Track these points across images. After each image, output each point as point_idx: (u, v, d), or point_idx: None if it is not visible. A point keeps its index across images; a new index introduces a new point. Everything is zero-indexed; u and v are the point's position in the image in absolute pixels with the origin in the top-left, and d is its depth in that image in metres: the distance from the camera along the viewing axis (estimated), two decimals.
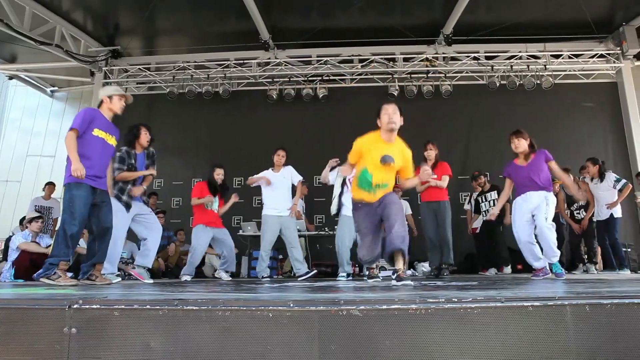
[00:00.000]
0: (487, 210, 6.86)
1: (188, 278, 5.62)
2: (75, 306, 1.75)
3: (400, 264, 3.49)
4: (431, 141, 5.99)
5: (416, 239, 7.50)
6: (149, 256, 4.78)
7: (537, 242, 4.57)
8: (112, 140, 4.07)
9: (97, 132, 3.92)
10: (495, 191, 6.88)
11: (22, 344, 1.72)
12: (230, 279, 5.79)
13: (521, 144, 4.64)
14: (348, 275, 5.49)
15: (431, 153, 5.88)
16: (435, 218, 5.85)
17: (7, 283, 4.80)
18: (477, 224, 7.26)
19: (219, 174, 5.80)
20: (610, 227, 6.44)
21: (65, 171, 3.83)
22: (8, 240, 6.25)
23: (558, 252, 4.50)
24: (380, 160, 3.50)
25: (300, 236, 6.40)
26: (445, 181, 5.86)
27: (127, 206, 4.57)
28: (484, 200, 7.01)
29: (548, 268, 4.58)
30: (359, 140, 3.65)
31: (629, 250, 6.68)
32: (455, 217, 6.21)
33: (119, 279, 4.55)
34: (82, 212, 3.75)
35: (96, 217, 3.94)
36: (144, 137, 4.82)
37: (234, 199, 5.83)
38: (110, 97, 4.12)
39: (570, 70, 9.00)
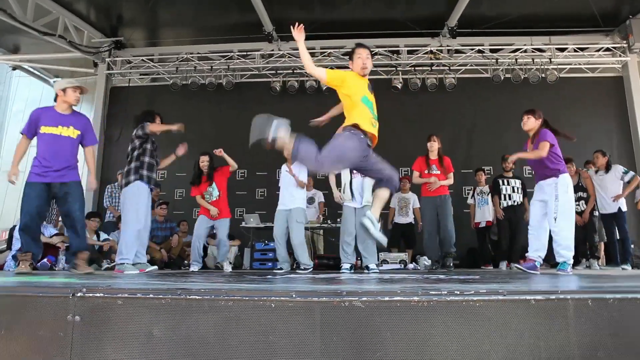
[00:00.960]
0: (509, 195, 6.72)
1: (195, 268, 5.67)
2: (79, 294, 1.77)
3: (377, 211, 3.40)
4: (434, 134, 5.97)
5: (422, 234, 7.52)
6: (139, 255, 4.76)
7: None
8: (67, 131, 4.18)
9: (44, 129, 4.09)
10: (520, 180, 6.78)
11: (26, 332, 1.74)
12: (229, 269, 5.81)
13: (529, 122, 4.53)
14: (351, 267, 5.50)
15: (434, 145, 5.88)
16: (436, 212, 5.87)
17: (11, 272, 4.84)
18: (479, 217, 7.22)
19: (203, 161, 5.84)
20: (620, 220, 6.35)
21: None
22: (12, 229, 6.29)
23: (566, 255, 4.24)
24: (369, 87, 3.54)
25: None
26: (450, 179, 5.88)
27: (153, 182, 4.72)
28: (505, 183, 6.78)
29: (538, 264, 4.38)
30: (347, 72, 3.61)
31: (632, 246, 6.64)
32: (457, 211, 6.22)
33: (149, 267, 4.68)
34: (27, 208, 4.01)
35: (64, 209, 4.12)
36: (156, 126, 4.95)
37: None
38: (64, 90, 4.21)
39: (575, 64, 8.94)
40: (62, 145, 4.12)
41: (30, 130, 4.11)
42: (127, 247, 4.44)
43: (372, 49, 9.03)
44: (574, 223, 4.30)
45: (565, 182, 4.32)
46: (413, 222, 7.56)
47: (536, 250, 4.40)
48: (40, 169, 4.02)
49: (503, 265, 6.65)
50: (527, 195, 6.66)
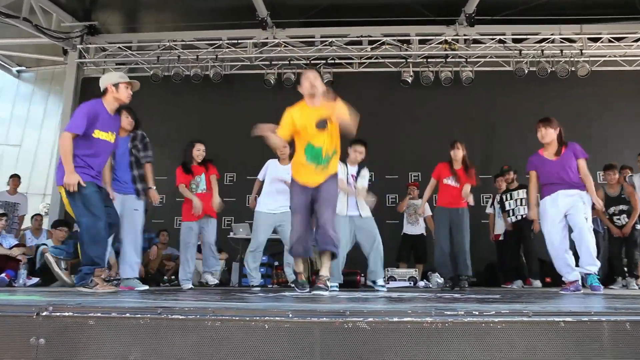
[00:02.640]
0: (513, 209, 6.82)
1: (187, 286, 5.46)
2: (44, 313, 1.76)
3: (325, 269, 3.82)
4: (459, 140, 5.92)
5: (432, 247, 7.50)
6: (130, 270, 4.75)
7: (572, 249, 4.52)
8: (112, 138, 4.01)
9: (97, 133, 3.85)
10: (525, 190, 6.82)
11: None
12: (216, 282, 5.74)
13: (548, 134, 4.60)
14: (339, 285, 5.45)
15: (458, 154, 5.81)
16: (450, 226, 5.81)
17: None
18: (500, 229, 7.24)
19: (199, 149, 5.72)
20: None
21: (58, 171, 3.82)
22: None
23: (597, 262, 4.41)
24: (317, 126, 3.72)
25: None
26: (466, 188, 5.82)
27: (139, 194, 4.70)
28: (509, 198, 6.95)
29: (580, 283, 4.51)
30: (289, 110, 3.90)
31: None
32: (475, 221, 6.20)
33: (144, 286, 4.68)
34: (100, 207, 3.78)
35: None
36: (125, 120, 4.76)
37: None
38: (116, 86, 4.01)
39: (610, 56, 8.97)
40: (107, 152, 4.05)
41: (85, 130, 3.76)
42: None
43: (378, 38, 9.13)
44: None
45: (588, 197, 4.48)
46: (425, 234, 7.55)
47: (572, 272, 4.50)
48: (94, 172, 3.86)
49: (517, 284, 6.67)
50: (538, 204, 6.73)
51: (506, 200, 6.98)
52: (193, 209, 5.46)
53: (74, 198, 3.72)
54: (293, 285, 3.77)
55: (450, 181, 5.79)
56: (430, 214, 7.61)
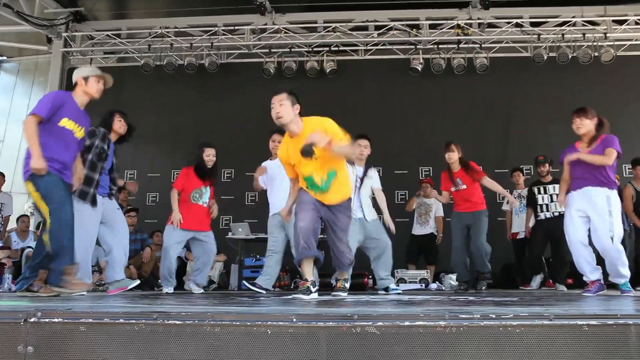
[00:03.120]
0: (547, 205, 6.72)
1: (169, 290, 5.62)
2: (32, 320, 1.77)
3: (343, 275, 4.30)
4: (453, 142, 6.01)
5: (445, 248, 7.50)
6: (120, 270, 4.82)
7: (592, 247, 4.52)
8: (80, 133, 4.09)
9: (64, 122, 3.92)
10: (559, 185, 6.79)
11: None
12: (201, 291, 5.76)
13: (584, 125, 4.58)
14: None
15: (453, 156, 5.91)
16: (467, 230, 5.94)
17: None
18: (517, 227, 7.23)
19: (209, 155, 5.74)
20: None
21: (25, 165, 3.84)
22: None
23: (627, 273, 4.38)
24: (302, 155, 3.68)
25: None
26: (491, 184, 5.91)
27: (94, 201, 4.60)
28: (542, 192, 6.77)
29: (603, 282, 4.53)
30: (280, 152, 4.04)
31: None
32: (491, 220, 6.21)
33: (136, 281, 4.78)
34: (66, 194, 3.86)
35: None
36: (118, 124, 4.87)
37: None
38: (86, 79, 4.11)
39: (636, 40, 8.93)
40: (73, 145, 4.07)
41: (49, 114, 3.81)
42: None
43: (386, 23, 9.11)
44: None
45: (617, 199, 4.49)
46: (435, 233, 7.57)
47: (593, 272, 4.53)
48: (59, 164, 3.88)
49: (536, 281, 6.68)
50: None
51: (539, 193, 6.80)
52: (172, 220, 5.56)
53: (39, 187, 3.77)
54: (298, 294, 3.68)
55: (454, 187, 6.00)
56: (442, 214, 7.65)
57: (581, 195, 4.52)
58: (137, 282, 5.06)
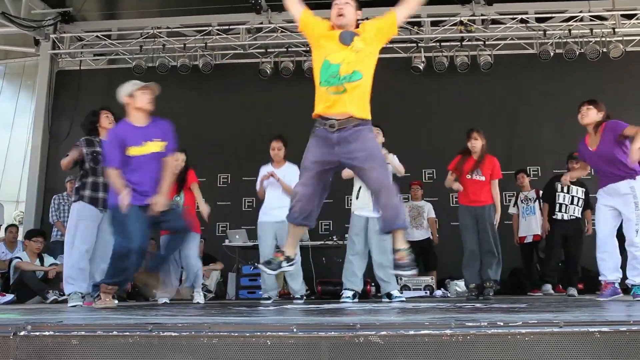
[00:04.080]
0: (567, 206, 6.67)
1: (165, 300, 5.67)
2: (22, 333, 1.77)
3: (401, 241, 3.35)
4: (476, 129, 5.93)
5: (444, 252, 7.52)
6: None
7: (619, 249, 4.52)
8: (153, 147, 4.28)
9: (130, 151, 4.19)
10: (584, 189, 6.71)
11: None
12: (202, 300, 5.77)
13: (589, 115, 4.63)
14: (354, 295, 5.49)
15: (476, 144, 5.83)
16: (477, 226, 5.81)
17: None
18: (524, 230, 7.25)
19: (177, 160, 5.81)
20: None
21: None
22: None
23: None
24: (340, 39, 3.36)
25: (302, 247, 6.42)
26: (495, 186, 5.84)
27: (105, 205, 4.65)
28: (565, 190, 6.66)
29: (618, 286, 4.53)
30: (318, 19, 3.56)
31: None
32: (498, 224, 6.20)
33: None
34: (136, 230, 4.07)
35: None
36: (105, 120, 4.97)
37: None
38: (132, 96, 4.32)
39: None
40: (148, 164, 4.27)
41: (121, 157, 4.17)
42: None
43: None
44: None
45: None
46: (430, 237, 7.59)
47: (613, 272, 4.52)
48: (136, 191, 4.17)
49: (547, 288, 6.66)
50: (592, 206, 6.65)
51: (561, 191, 6.69)
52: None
53: (115, 217, 4.13)
54: (262, 265, 3.33)
55: (473, 175, 5.79)
56: (434, 216, 7.66)
57: (607, 193, 4.58)
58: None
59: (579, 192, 6.65)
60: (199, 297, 5.73)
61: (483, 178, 5.78)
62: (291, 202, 3.30)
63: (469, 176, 5.81)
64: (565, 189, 6.64)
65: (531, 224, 7.19)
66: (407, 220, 3.37)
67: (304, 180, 3.26)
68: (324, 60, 3.32)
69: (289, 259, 3.32)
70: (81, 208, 4.72)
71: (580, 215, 6.65)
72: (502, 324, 1.72)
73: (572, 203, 6.62)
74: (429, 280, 6.98)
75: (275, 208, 5.62)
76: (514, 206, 7.59)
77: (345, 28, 3.40)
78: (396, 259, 3.33)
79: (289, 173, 5.60)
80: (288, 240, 3.41)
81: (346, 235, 6.17)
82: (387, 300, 5.44)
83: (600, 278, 4.63)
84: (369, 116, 3.35)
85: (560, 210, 6.67)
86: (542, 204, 7.01)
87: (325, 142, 3.26)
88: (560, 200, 6.67)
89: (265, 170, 5.79)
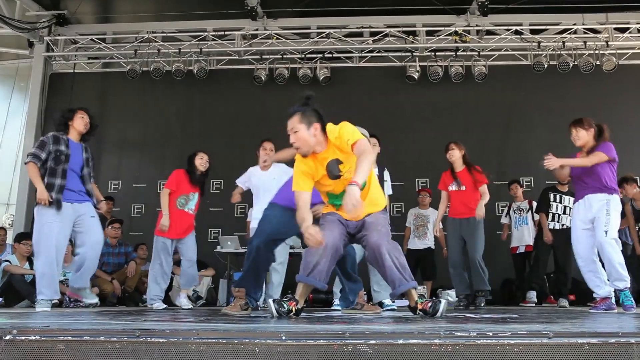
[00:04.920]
0: (560, 215, 6.71)
1: (159, 305, 5.62)
2: (7, 337, 1.76)
3: (415, 297, 3.47)
4: (452, 141, 5.97)
5: (444, 262, 7.51)
6: (83, 276, 4.81)
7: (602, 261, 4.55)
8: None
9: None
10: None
11: None
12: (190, 306, 5.74)
13: (580, 137, 4.67)
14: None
15: (453, 154, 5.86)
16: (462, 238, 5.85)
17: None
18: (517, 241, 7.28)
19: (202, 158, 5.80)
20: None
21: None
22: None
23: (626, 277, 4.41)
24: (330, 177, 3.33)
25: (293, 254, 6.39)
26: (485, 195, 5.82)
27: (58, 205, 4.59)
28: (557, 200, 6.74)
29: (614, 300, 4.55)
30: (300, 165, 3.44)
31: None
32: (490, 232, 6.21)
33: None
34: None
35: None
36: (80, 121, 4.86)
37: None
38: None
39: (639, 48, 9.00)
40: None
41: None
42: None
43: (381, 29, 9.17)
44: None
45: (617, 203, 4.56)
46: (433, 247, 7.57)
47: (602, 287, 4.55)
48: None
49: (532, 295, 6.67)
50: None
51: (554, 200, 6.76)
52: (160, 225, 5.60)
53: None
54: (273, 303, 3.25)
55: (454, 187, 5.84)
56: (440, 225, 7.64)
57: (583, 204, 4.63)
58: (96, 301, 5.04)
59: (570, 201, 6.68)
60: (186, 302, 5.71)
61: (464, 188, 5.79)
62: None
63: (450, 187, 5.88)
64: (558, 199, 6.71)
65: (524, 235, 7.22)
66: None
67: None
68: (328, 194, 3.48)
69: (297, 312, 3.32)
70: (41, 211, 4.62)
71: (570, 224, 6.69)
72: (491, 334, 1.72)
73: (564, 213, 6.67)
74: (421, 289, 6.97)
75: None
76: (505, 216, 7.62)
77: (312, 152, 3.36)
78: (420, 309, 3.40)
79: (281, 173, 5.45)
80: (301, 292, 3.40)
81: None
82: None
83: (594, 295, 4.65)
84: (383, 206, 3.60)
85: (553, 220, 6.72)
86: (535, 213, 7.05)
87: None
88: (554, 210, 6.73)
89: (254, 174, 5.69)
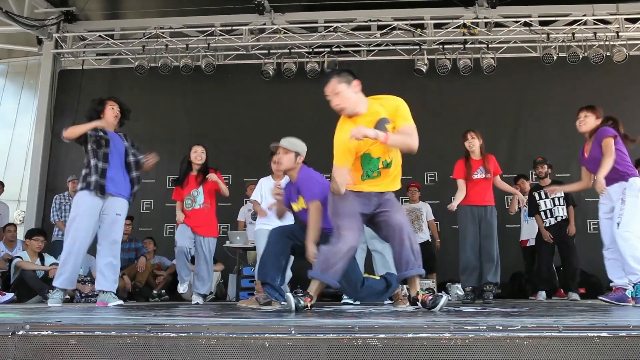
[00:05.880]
0: (551, 210, 6.67)
1: (199, 300, 5.66)
2: (20, 332, 1.77)
3: (418, 286, 3.55)
4: (471, 129, 5.90)
5: (443, 254, 7.51)
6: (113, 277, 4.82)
7: None
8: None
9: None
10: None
11: None
12: (200, 301, 5.76)
13: (587, 122, 4.64)
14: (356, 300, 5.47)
15: (474, 143, 5.76)
16: (479, 227, 5.73)
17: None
18: (527, 234, 7.29)
19: (196, 152, 5.77)
20: None
21: None
22: None
23: (638, 270, 4.32)
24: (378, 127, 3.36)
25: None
26: (503, 184, 5.85)
27: (101, 189, 4.64)
28: (542, 196, 6.76)
29: (627, 293, 4.51)
30: (339, 136, 3.46)
31: None
32: (499, 225, 6.16)
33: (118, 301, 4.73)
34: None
35: None
36: (110, 112, 4.89)
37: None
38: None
39: None
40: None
41: None
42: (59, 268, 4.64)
43: (389, 22, 9.13)
44: None
45: (637, 186, 4.44)
46: (430, 240, 7.57)
47: (619, 277, 4.53)
48: None
49: (541, 295, 6.63)
50: (573, 201, 6.80)
51: (540, 198, 6.78)
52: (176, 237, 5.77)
53: None
54: (290, 295, 3.29)
55: (480, 174, 5.69)
56: (433, 217, 7.66)
57: (604, 199, 4.62)
58: (120, 302, 5.04)
59: (560, 199, 6.71)
60: (197, 298, 5.73)
61: (489, 176, 5.69)
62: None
63: (475, 176, 5.72)
64: (543, 195, 6.74)
65: (533, 228, 7.18)
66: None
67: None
68: (362, 161, 3.53)
69: (309, 307, 3.35)
70: (81, 198, 4.69)
71: (566, 214, 6.66)
72: (501, 327, 1.71)
73: (555, 205, 6.66)
74: (430, 283, 6.96)
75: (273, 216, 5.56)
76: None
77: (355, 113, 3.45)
78: (419, 300, 3.44)
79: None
80: (316, 289, 3.46)
81: None
82: (389, 302, 5.42)
83: (610, 284, 4.65)
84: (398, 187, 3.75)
85: (546, 217, 6.73)
86: (534, 215, 7.06)
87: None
88: (543, 207, 6.78)
89: (266, 183, 5.70)
